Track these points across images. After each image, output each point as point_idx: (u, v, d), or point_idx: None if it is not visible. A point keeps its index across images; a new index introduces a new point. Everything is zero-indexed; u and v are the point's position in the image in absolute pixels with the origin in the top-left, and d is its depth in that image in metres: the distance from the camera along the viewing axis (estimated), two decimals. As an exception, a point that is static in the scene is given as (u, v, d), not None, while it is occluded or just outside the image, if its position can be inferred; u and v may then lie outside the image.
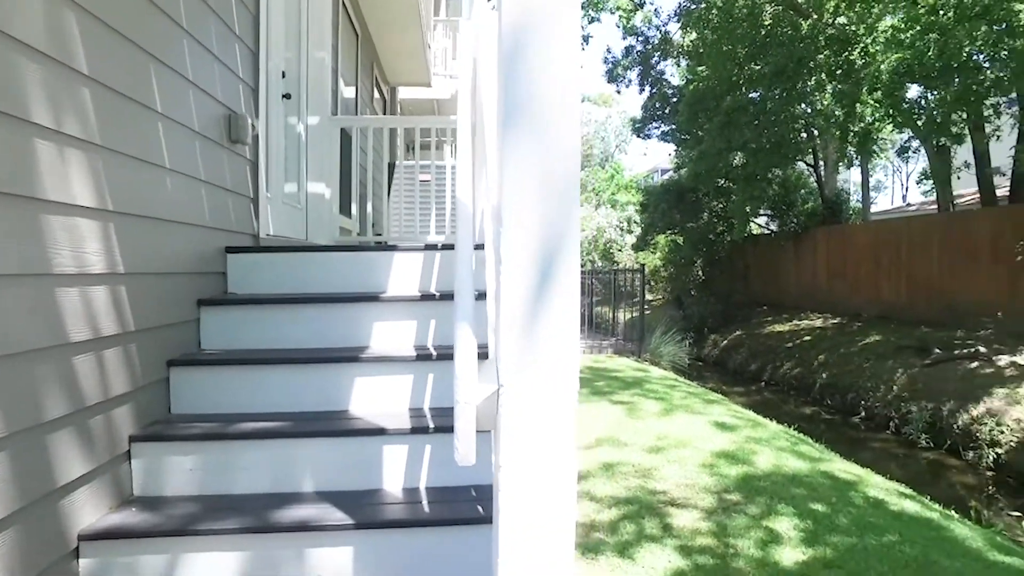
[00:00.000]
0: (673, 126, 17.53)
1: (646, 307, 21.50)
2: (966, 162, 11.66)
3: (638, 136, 18.98)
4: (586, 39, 11.22)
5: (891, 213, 21.35)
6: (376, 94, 9.08)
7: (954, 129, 10.18)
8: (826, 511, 3.63)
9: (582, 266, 20.14)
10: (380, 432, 2.27)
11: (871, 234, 13.71)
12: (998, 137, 10.86)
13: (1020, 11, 8.30)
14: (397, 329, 2.82)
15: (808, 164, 16.45)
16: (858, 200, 17.79)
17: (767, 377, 12.76)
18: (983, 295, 10.47)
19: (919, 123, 10.02)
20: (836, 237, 14.76)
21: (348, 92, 7.02)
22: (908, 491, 4.50)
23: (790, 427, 6.59)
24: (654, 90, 17.71)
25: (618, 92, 18.32)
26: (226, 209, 3.11)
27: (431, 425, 2.29)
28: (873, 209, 23.80)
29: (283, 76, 4.52)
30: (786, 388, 11.98)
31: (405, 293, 3.01)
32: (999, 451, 7.29)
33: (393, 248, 3.25)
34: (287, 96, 4.60)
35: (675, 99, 17.10)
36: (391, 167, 6.86)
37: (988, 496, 6.58)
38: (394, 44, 8.36)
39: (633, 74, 17.70)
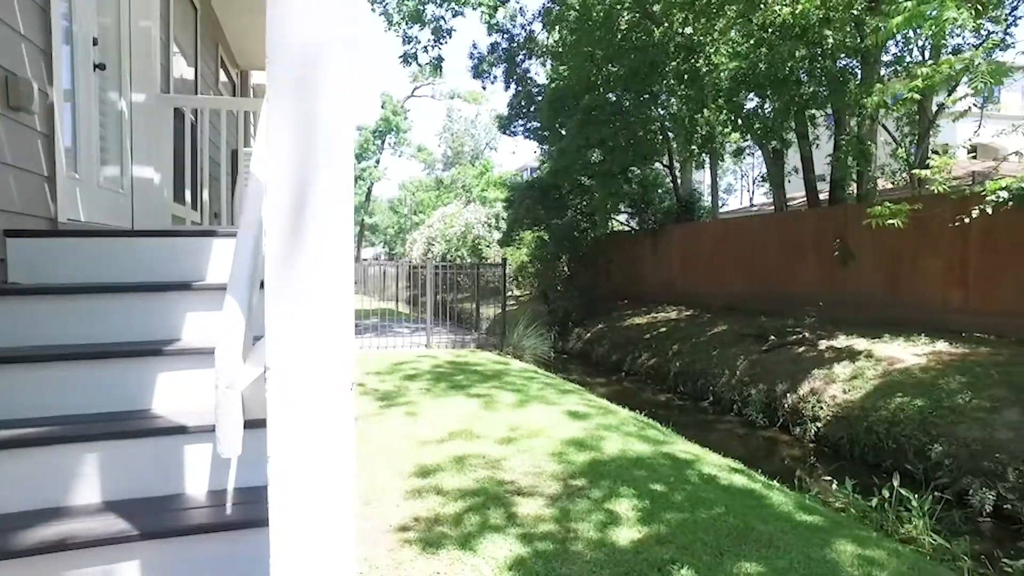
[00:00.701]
0: (537, 124, 17.94)
1: (513, 303, 21.82)
2: (795, 167, 12.89)
3: (504, 133, 19.23)
4: (449, 32, 11.17)
5: (738, 213, 23.19)
6: (223, 76, 8.44)
7: (784, 136, 11.19)
8: (664, 490, 3.79)
9: (451, 261, 20.09)
10: (181, 431, 2.04)
11: (719, 231, 14.80)
12: (817, 145, 12.10)
13: (828, 36, 9.35)
14: (213, 319, 2.58)
15: (664, 165, 17.46)
16: (710, 199, 19.16)
17: (627, 367, 13.37)
18: (809, 286, 11.61)
19: (756, 128, 10.93)
20: (689, 234, 15.77)
21: (186, 71, 6.46)
22: (738, 466, 4.85)
23: (641, 414, 6.91)
24: (519, 88, 18.01)
25: (483, 88, 18.47)
26: (6, 186, 2.69)
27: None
28: (723, 209, 25.77)
29: (95, 43, 4.03)
30: (644, 377, 12.61)
31: (224, 280, 2.76)
32: (819, 425, 8.08)
33: (212, 233, 2.98)
34: (101, 67, 4.12)
35: (540, 97, 17.51)
36: (234, 154, 6.41)
37: (809, 465, 7.28)
38: (242, 24, 7.81)
39: (498, 71, 17.89)
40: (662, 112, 14.70)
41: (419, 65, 12.07)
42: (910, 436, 6.90)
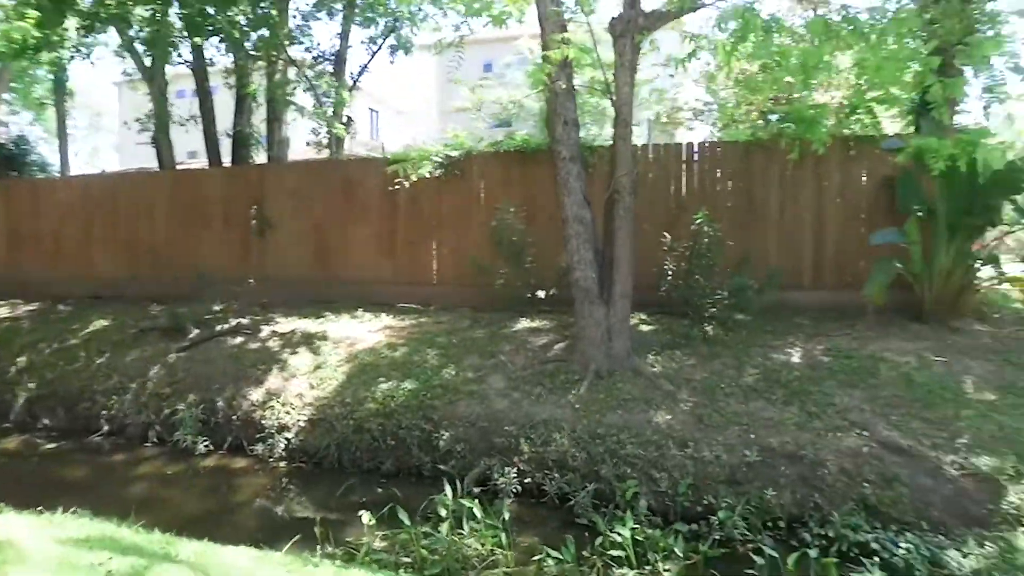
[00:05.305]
0: None
1: None
2: (194, 117, 10.27)
3: None
4: None
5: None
6: None
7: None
8: None
9: None
10: None
11: (77, 194, 10.68)
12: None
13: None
14: None
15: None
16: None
17: (-73, 402, 8.11)
18: (226, 262, 9.42)
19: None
20: (22, 197, 10.96)
21: None
22: None
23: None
24: None
25: None
26: None
27: None
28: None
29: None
30: (-32, 413, 7.82)
31: None
32: (290, 436, 6.20)
33: None
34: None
35: None
36: None
37: (282, 490, 5.49)
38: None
39: None
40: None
41: None
42: (410, 427, 5.82)
